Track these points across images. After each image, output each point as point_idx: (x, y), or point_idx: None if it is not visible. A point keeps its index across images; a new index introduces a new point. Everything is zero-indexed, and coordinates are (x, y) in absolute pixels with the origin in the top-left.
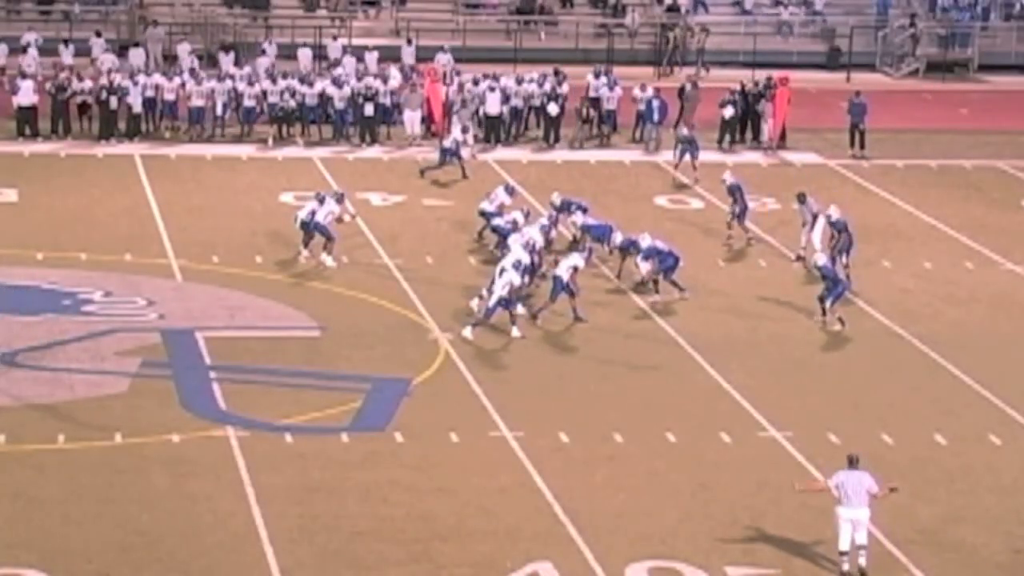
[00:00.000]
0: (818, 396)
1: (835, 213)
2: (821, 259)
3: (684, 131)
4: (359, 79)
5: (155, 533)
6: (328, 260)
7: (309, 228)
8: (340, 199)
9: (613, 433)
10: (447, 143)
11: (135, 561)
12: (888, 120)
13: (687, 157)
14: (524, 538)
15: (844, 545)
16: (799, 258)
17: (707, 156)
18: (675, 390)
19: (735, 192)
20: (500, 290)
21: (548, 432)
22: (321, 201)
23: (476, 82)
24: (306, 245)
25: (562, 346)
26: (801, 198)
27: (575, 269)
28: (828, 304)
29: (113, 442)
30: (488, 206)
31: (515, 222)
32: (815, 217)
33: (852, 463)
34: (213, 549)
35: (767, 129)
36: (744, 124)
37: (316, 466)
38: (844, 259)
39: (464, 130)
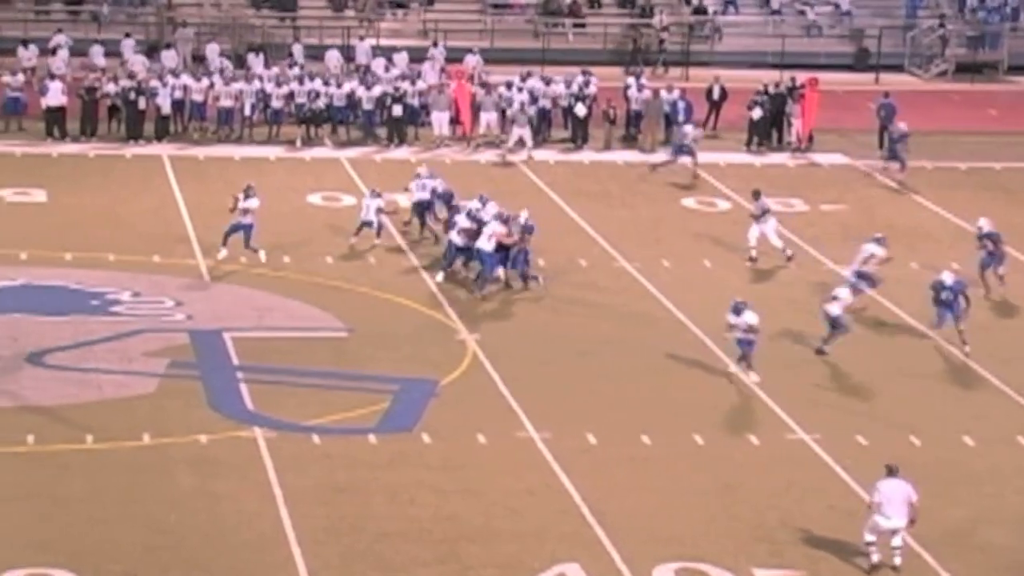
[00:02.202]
0: (845, 398)
1: (986, 225)
2: (835, 309)
3: (694, 133)
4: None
5: (182, 533)
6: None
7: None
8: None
9: (640, 434)
10: (685, 140)
11: (162, 561)
12: (916, 121)
13: (686, 159)
14: (551, 539)
15: (870, 537)
16: (752, 259)
17: (735, 158)
18: (702, 392)
19: (992, 240)
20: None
21: (575, 433)
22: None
23: (510, 85)
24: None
25: (588, 348)
26: (756, 194)
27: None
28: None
29: (140, 442)
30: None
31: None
32: (764, 213)
33: (891, 472)
34: (240, 549)
35: (795, 131)
36: (772, 126)
37: (343, 467)
38: (999, 269)
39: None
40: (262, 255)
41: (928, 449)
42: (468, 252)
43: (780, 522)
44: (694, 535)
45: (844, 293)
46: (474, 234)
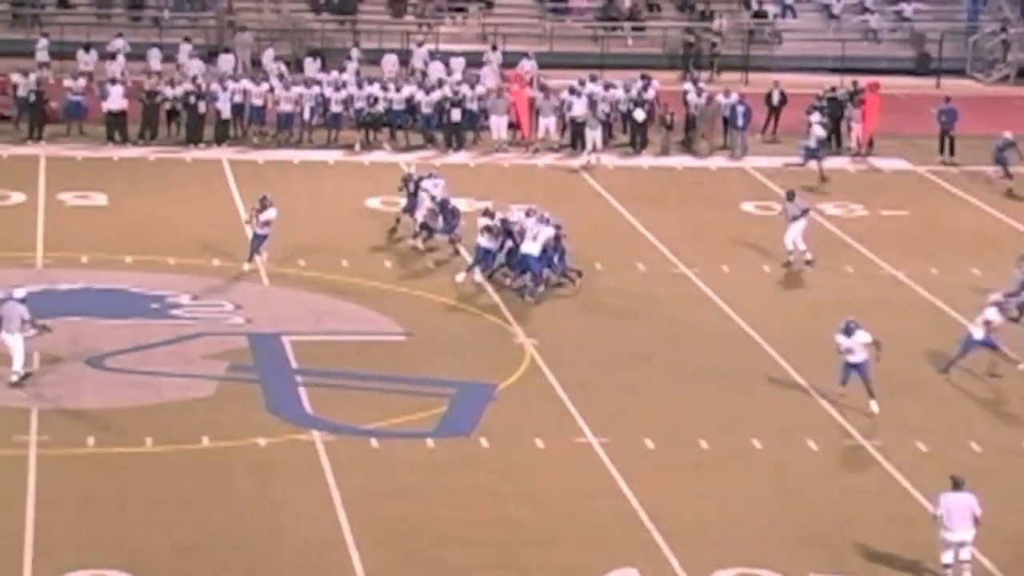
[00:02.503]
0: (905, 404)
1: None
2: (978, 333)
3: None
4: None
5: (240, 536)
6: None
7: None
8: None
9: (698, 439)
10: (810, 143)
11: (220, 564)
12: (978, 126)
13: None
14: (609, 544)
15: (947, 558)
16: (788, 264)
17: (794, 162)
18: (760, 397)
19: None
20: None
21: (633, 438)
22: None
23: (572, 91)
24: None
25: (647, 352)
26: (790, 195)
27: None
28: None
29: (199, 446)
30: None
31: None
32: (804, 212)
33: (957, 486)
34: (297, 552)
35: (855, 135)
36: (831, 131)
37: (401, 471)
38: None
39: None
40: (259, 260)
41: (988, 455)
42: (507, 256)
43: (838, 528)
44: (752, 540)
45: (992, 314)
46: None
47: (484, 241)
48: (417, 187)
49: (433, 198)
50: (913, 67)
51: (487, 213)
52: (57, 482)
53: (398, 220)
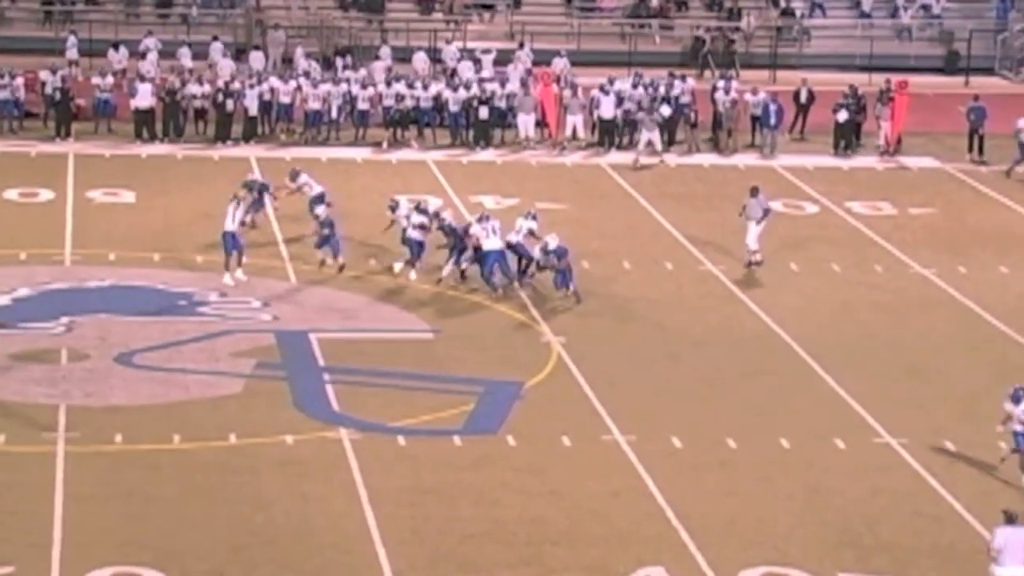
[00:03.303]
0: (934, 402)
1: None
2: None
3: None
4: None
5: (268, 533)
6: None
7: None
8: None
9: (726, 438)
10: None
11: (248, 561)
12: (1008, 125)
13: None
14: (636, 542)
15: None
16: (750, 264)
17: (822, 160)
18: (788, 396)
19: None
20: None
21: (660, 436)
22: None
23: (602, 88)
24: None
25: (674, 351)
26: (754, 192)
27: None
28: None
29: (227, 442)
30: (516, 237)
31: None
32: (766, 213)
33: (1011, 520)
34: (326, 549)
35: (884, 133)
36: (858, 128)
37: (428, 468)
38: None
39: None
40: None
41: (1017, 455)
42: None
43: (867, 527)
44: (780, 539)
45: None
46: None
47: (416, 234)
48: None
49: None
50: (942, 65)
51: (420, 209)
52: (85, 479)
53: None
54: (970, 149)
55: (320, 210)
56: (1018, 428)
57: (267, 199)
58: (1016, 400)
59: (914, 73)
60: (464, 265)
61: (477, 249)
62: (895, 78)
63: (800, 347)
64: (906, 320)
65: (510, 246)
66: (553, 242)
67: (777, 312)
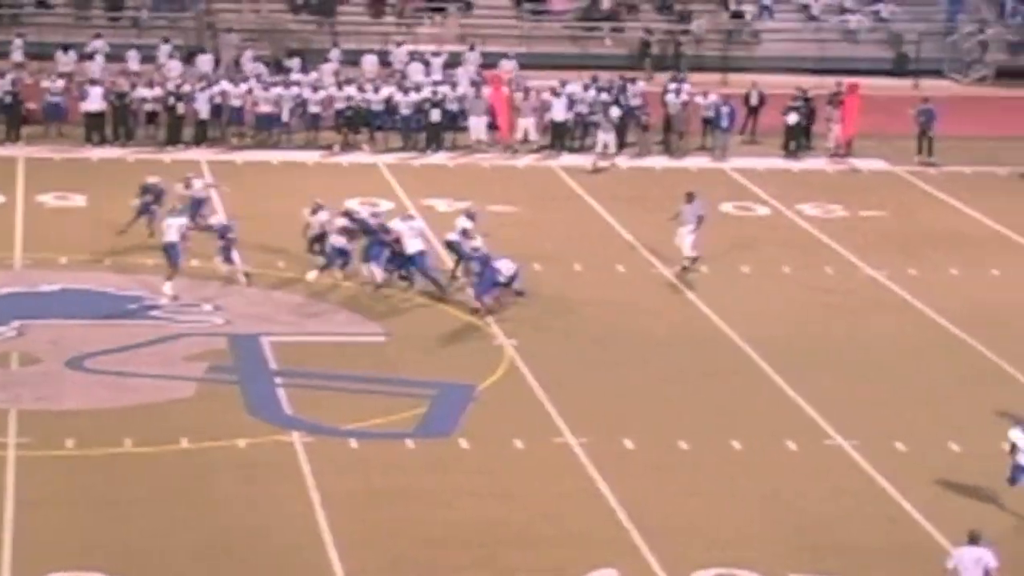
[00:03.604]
0: (885, 404)
1: None
2: None
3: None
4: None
5: (221, 537)
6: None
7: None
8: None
9: (678, 440)
10: None
11: (201, 565)
12: (956, 127)
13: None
14: (590, 544)
15: None
16: (684, 268)
17: (773, 163)
18: (740, 397)
19: None
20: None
21: (613, 439)
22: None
23: (554, 92)
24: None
25: (626, 353)
26: (689, 198)
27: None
28: None
29: (179, 447)
30: (454, 236)
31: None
32: (700, 220)
33: (974, 540)
34: (278, 554)
35: (834, 136)
36: (809, 130)
37: (381, 471)
38: None
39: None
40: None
41: (969, 456)
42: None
43: (819, 528)
44: (733, 541)
45: None
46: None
47: (339, 241)
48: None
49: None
50: (891, 68)
51: (346, 214)
52: (37, 483)
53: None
54: (919, 151)
55: (215, 219)
56: (1021, 460)
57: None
58: None
59: (864, 76)
60: (393, 269)
61: (399, 249)
62: (845, 81)
63: (751, 349)
64: (857, 322)
65: (448, 244)
66: (507, 268)
67: (728, 314)
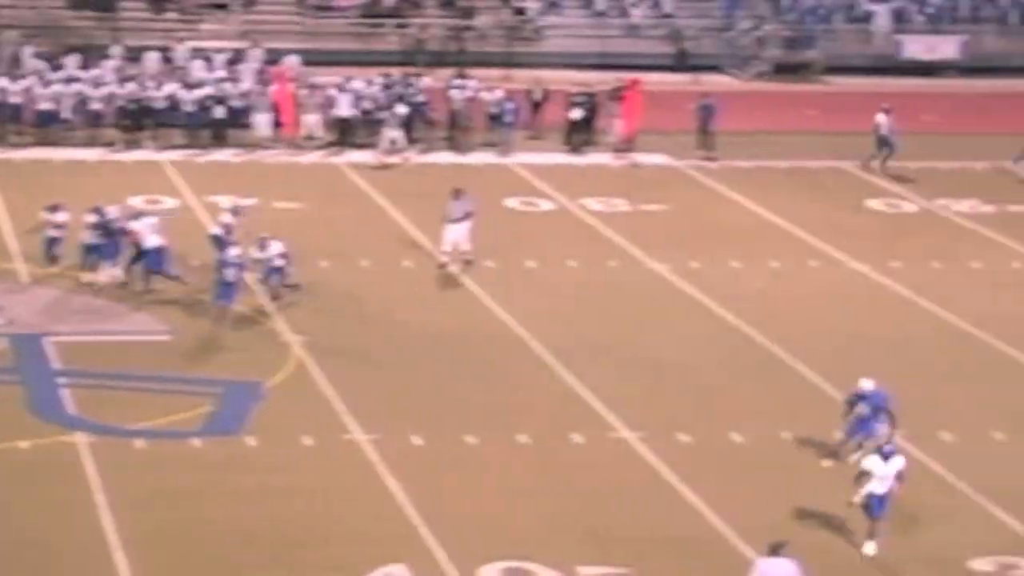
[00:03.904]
0: (668, 396)
1: None
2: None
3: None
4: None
5: (3, 541)
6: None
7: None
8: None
9: (465, 435)
10: None
11: None
12: (736, 122)
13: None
14: (378, 540)
15: None
16: (444, 265)
17: (557, 158)
18: (526, 392)
19: None
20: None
21: (401, 434)
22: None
23: (339, 88)
24: None
25: (414, 349)
26: (456, 194)
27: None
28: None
29: None
30: (217, 230)
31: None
32: (468, 215)
33: (775, 551)
34: (64, 557)
35: (616, 130)
36: (591, 126)
37: (168, 471)
38: None
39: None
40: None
41: (748, 445)
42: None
43: (605, 520)
44: (520, 534)
45: None
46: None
47: (89, 237)
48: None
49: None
50: (672, 63)
51: (96, 210)
52: None
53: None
54: (700, 146)
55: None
56: (878, 490)
57: None
58: (885, 457)
59: (645, 71)
60: (121, 269)
61: (138, 247)
62: (627, 76)
63: (537, 343)
64: (641, 315)
65: (214, 238)
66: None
67: (514, 309)
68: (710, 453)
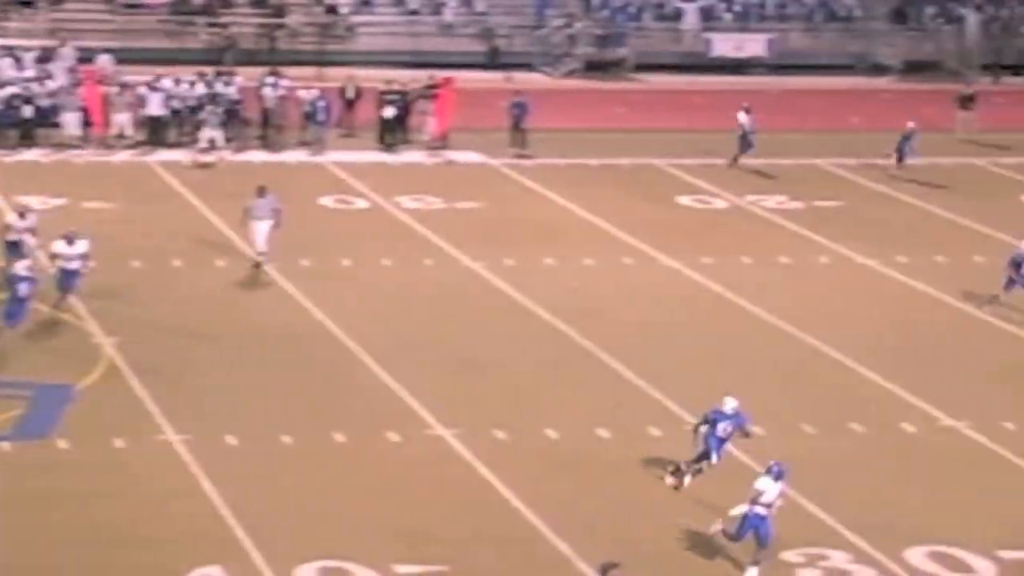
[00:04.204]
0: (484, 393)
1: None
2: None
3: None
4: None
5: None
6: None
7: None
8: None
9: (281, 435)
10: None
11: None
12: (549, 120)
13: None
14: (194, 542)
15: None
16: (257, 265)
17: (370, 156)
18: (342, 390)
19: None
20: None
21: (215, 435)
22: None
23: (150, 87)
24: None
25: (228, 349)
26: (260, 192)
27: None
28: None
29: None
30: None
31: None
32: (276, 212)
33: (605, 572)
34: None
35: (430, 129)
36: (404, 124)
37: None
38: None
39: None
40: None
41: (564, 442)
42: None
43: (422, 518)
44: (337, 533)
45: None
46: None
47: None
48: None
49: None
50: (484, 61)
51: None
52: None
53: None
54: (513, 143)
55: None
56: (760, 511)
57: None
58: (777, 478)
59: (458, 69)
60: None
61: None
62: (440, 74)
63: (352, 341)
64: (457, 313)
65: (9, 245)
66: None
67: (329, 307)
68: (526, 451)
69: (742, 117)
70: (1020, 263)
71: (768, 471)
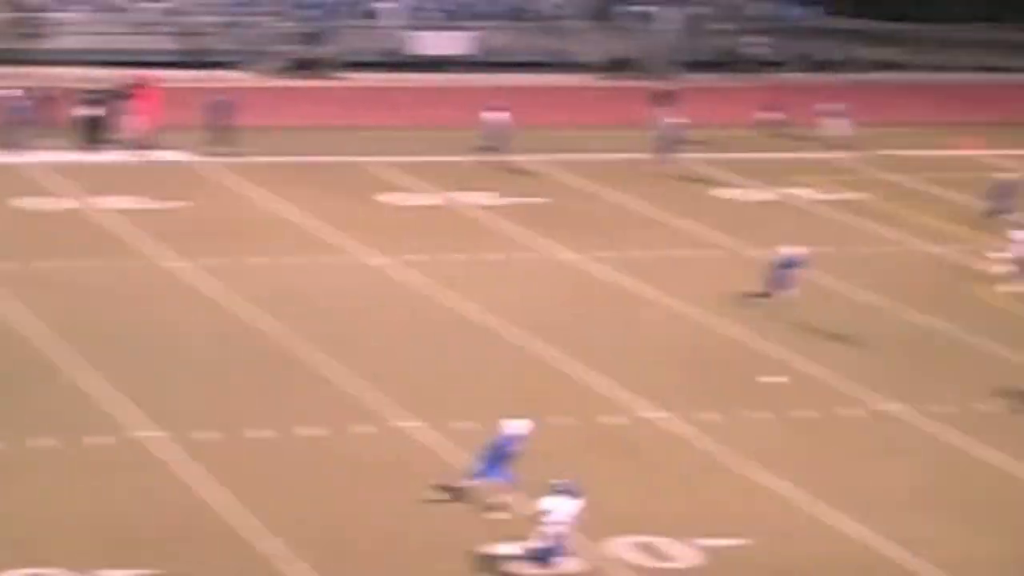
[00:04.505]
0: (185, 395)
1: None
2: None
3: None
4: None
5: None
6: None
7: None
8: None
9: None
10: None
11: None
12: (255, 118)
13: None
14: None
15: None
16: None
17: (73, 156)
18: (40, 394)
19: None
20: None
21: None
22: None
23: None
24: None
25: None
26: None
27: None
28: None
29: None
30: None
31: None
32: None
33: None
34: None
35: (131, 128)
36: (105, 123)
37: None
38: None
39: None
40: None
41: (266, 442)
42: None
43: (130, 521)
44: (40, 539)
45: None
46: None
47: None
48: None
49: None
50: (189, 60)
51: None
52: None
53: None
54: (219, 142)
55: None
56: (564, 530)
57: None
58: (571, 495)
59: (162, 68)
60: None
61: None
62: (140, 73)
63: (57, 343)
64: (161, 313)
65: None
66: None
67: (36, 310)
68: (229, 450)
69: (489, 116)
70: (784, 265)
71: (561, 489)
